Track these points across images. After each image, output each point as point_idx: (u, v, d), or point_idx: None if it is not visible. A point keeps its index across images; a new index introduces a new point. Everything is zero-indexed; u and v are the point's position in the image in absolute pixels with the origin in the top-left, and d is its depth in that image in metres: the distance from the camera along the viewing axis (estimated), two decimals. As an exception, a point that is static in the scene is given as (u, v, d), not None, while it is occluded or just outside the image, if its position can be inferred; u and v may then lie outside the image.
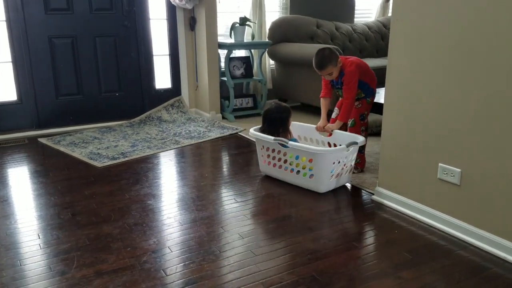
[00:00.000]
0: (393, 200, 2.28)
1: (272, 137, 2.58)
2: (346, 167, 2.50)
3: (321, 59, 2.63)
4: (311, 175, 2.47)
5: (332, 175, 2.45)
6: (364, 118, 2.76)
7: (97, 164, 2.98)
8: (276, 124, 2.70)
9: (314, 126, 2.82)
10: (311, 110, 4.20)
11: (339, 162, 2.43)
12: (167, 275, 1.70)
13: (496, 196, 1.80)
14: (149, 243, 1.93)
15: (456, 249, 1.88)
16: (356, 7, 5.26)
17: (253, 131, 2.72)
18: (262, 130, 2.73)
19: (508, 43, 1.67)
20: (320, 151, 2.41)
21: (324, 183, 2.45)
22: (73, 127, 3.89)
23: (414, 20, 2.02)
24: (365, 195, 2.46)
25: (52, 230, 2.07)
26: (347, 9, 5.16)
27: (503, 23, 1.67)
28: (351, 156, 2.49)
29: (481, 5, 1.74)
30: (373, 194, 2.43)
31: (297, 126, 2.92)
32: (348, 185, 2.60)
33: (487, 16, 1.72)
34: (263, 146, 2.68)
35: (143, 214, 2.22)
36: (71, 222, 2.14)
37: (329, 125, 2.74)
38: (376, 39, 5.05)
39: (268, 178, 2.73)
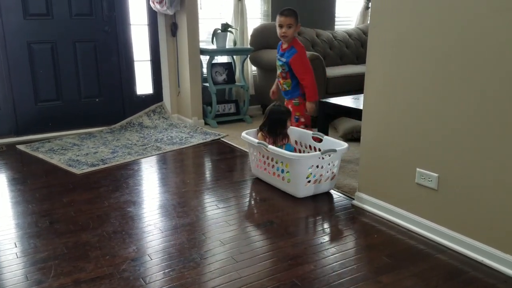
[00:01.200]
0: (373, 205, 2.30)
1: (256, 140, 2.62)
2: (328, 173, 2.52)
3: (289, 9, 2.91)
4: (289, 180, 2.50)
5: (309, 181, 2.47)
6: (299, 119, 2.98)
7: (76, 171, 2.94)
8: (276, 125, 2.74)
9: (311, 132, 2.84)
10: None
11: (317, 167, 2.45)
12: (146, 284, 1.68)
13: (473, 200, 1.84)
14: (129, 251, 1.91)
15: (434, 253, 1.91)
16: (336, 15, 5.33)
17: (244, 135, 2.78)
18: (261, 126, 2.79)
19: (484, 51, 1.71)
20: (293, 157, 2.43)
21: (300, 188, 2.47)
22: (53, 133, 3.83)
23: (391, 27, 2.05)
24: (345, 200, 2.49)
25: (29, 238, 2.02)
26: (327, 16, 5.22)
27: (480, 30, 1.72)
28: (332, 163, 2.51)
29: (457, 13, 1.78)
30: (353, 199, 2.45)
31: (295, 131, 2.94)
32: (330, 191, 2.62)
33: (464, 23, 1.77)
34: (253, 149, 2.75)
35: (123, 222, 2.19)
36: (49, 230, 2.10)
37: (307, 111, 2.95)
38: (356, 46, 5.12)
39: (250, 184, 2.74)
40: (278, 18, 2.90)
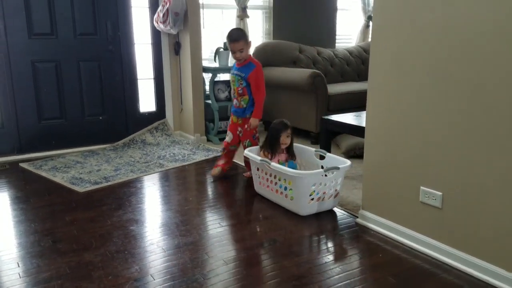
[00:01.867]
0: (377, 223, 2.29)
1: (259, 158, 2.63)
2: (331, 190, 2.51)
3: (236, 31, 2.92)
4: (292, 197, 2.50)
5: (313, 199, 2.46)
6: (255, 137, 3.01)
7: (79, 189, 2.94)
8: (270, 140, 2.76)
9: (313, 149, 2.86)
10: (295, 132, 4.23)
11: (320, 184, 2.44)
12: (150, 304, 1.66)
13: (478, 219, 1.83)
14: (131, 271, 1.90)
15: (439, 272, 1.89)
16: (337, 33, 5.39)
17: (247, 152, 2.80)
18: (264, 142, 2.83)
19: (483, 69, 1.73)
20: (296, 174, 2.43)
21: (303, 206, 2.46)
22: (56, 151, 3.84)
23: (393, 46, 2.07)
24: (349, 218, 2.47)
25: (32, 258, 2.01)
26: (328, 34, 5.28)
27: (479, 49, 1.73)
28: (335, 180, 2.51)
29: (457, 31, 1.80)
30: (357, 217, 2.44)
31: (297, 148, 2.93)
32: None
33: (464, 41, 1.79)
34: (255, 166, 2.76)
35: (125, 241, 2.19)
36: (52, 249, 2.10)
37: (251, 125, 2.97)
38: (357, 64, 5.16)
39: (253, 201, 2.73)
40: (228, 43, 2.91)
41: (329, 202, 2.54)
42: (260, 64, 2.95)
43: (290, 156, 2.80)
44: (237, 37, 2.83)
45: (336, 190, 2.55)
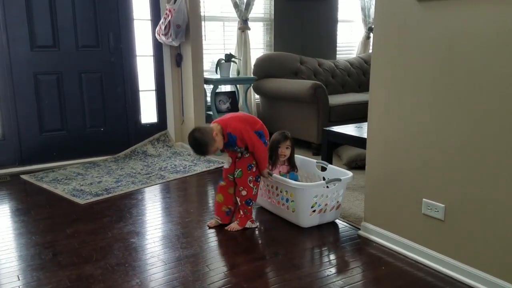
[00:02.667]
0: (379, 235, 2.28)
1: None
2: (333, 202, 2.50)
3: (198, 146, 2.34)
4: (293, 209, 2.49)
5: (314, 210, 2.45)
6: (252, 167, 2.48)
7: (80, 201, 2.93)
8: (270, 152, 2.72)
9: (315, 161, 2.83)
10: (296, 143, 4.23)
11: (322, 196, 2.43)
12: (150, 318, 1.65)
13: (480, 231, 1.81)
14: (132, 284, 1.88)
15: (442, 285, 1.87)
16: (338, 44, 5.42)
17: None
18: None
19: (487, 82, 1.73)
20: (298, 186, 2.42)
21: (305, 218, 2.45)
22: (57, 163, 3.84)
23: (393, 57, 2.08)
24: (351, 230, 2.46)
25: (32, 271, 2.00)
26: (329, 46, 5.32)
27: (483, 62, 1.74)
28: (337, 192, 2.50)
29: (460, 43, 1.81)
30: (359, 229, 2.42)
31: (297, 159, 2.92)
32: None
33: (467, 53, 1.79)
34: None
35: (126, 253, 2.17)
36: (52, 262, 2.08)
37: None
38: (358, 75, 5.18)
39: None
40: None
41: (331, 214, 2.53)
42: (239, 128, 2.37)
43: (292, 168, 2.79)
44: (203, 152, 2.39)
45: (338, 201, 2.54)
